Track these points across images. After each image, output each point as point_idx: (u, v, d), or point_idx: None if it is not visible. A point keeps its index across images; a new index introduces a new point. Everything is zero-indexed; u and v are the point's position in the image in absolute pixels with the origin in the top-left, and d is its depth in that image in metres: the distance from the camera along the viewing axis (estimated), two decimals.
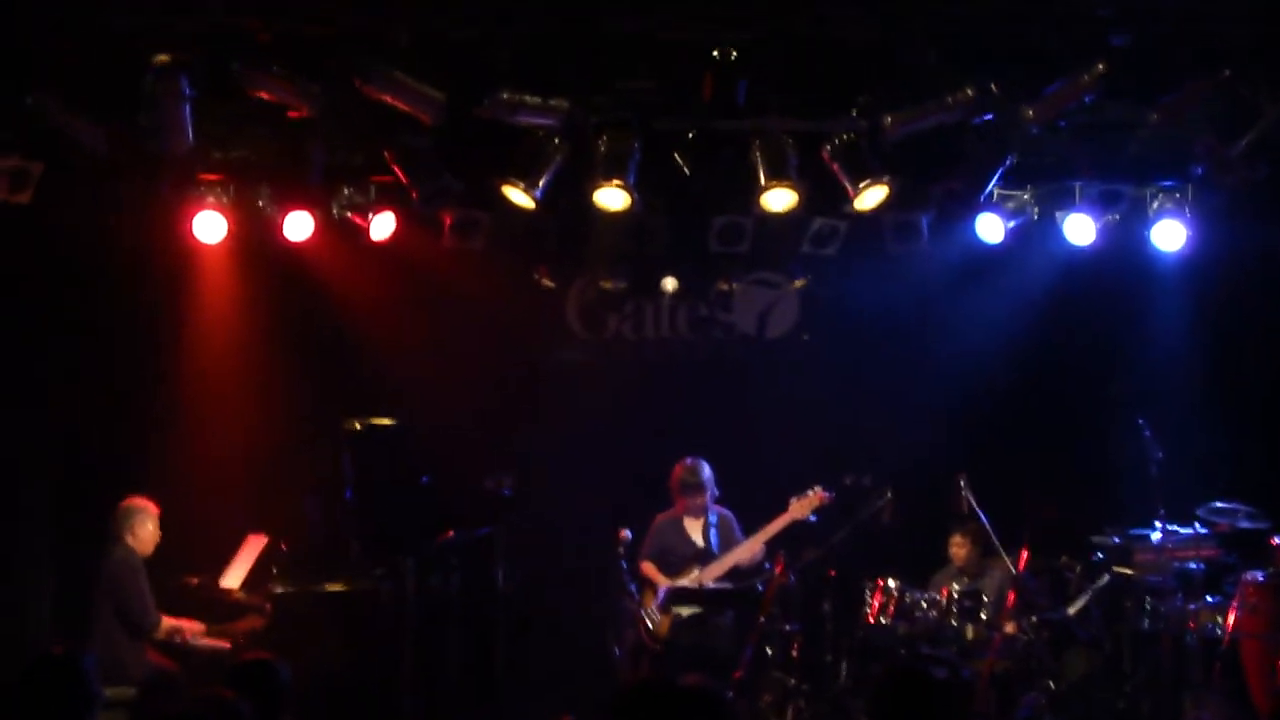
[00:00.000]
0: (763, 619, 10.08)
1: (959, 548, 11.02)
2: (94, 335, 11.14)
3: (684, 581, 10.64)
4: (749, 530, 10.84)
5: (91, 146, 9.13)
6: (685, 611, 10.59)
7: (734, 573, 10.74)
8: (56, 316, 11.08)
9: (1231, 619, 9.86)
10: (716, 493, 10.92)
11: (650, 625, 10.51)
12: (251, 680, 6.41)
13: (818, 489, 10.69)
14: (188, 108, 8.84)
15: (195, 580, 10.49)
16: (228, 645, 10.08)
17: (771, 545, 10.63)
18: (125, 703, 9.30)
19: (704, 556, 10.77)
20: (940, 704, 5.72)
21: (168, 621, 10.02)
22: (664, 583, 10.64)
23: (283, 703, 6.46)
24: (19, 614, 10.91)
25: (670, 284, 11.58)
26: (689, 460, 10.90)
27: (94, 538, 10.03)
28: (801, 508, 10.69)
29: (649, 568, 10.77)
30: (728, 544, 10.81)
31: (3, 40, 8.59)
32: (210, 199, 10.26)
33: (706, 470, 10.86)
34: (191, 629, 10.12)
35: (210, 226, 10.32)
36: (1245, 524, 10.24)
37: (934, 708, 5.69)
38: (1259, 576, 9.89)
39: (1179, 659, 10.16)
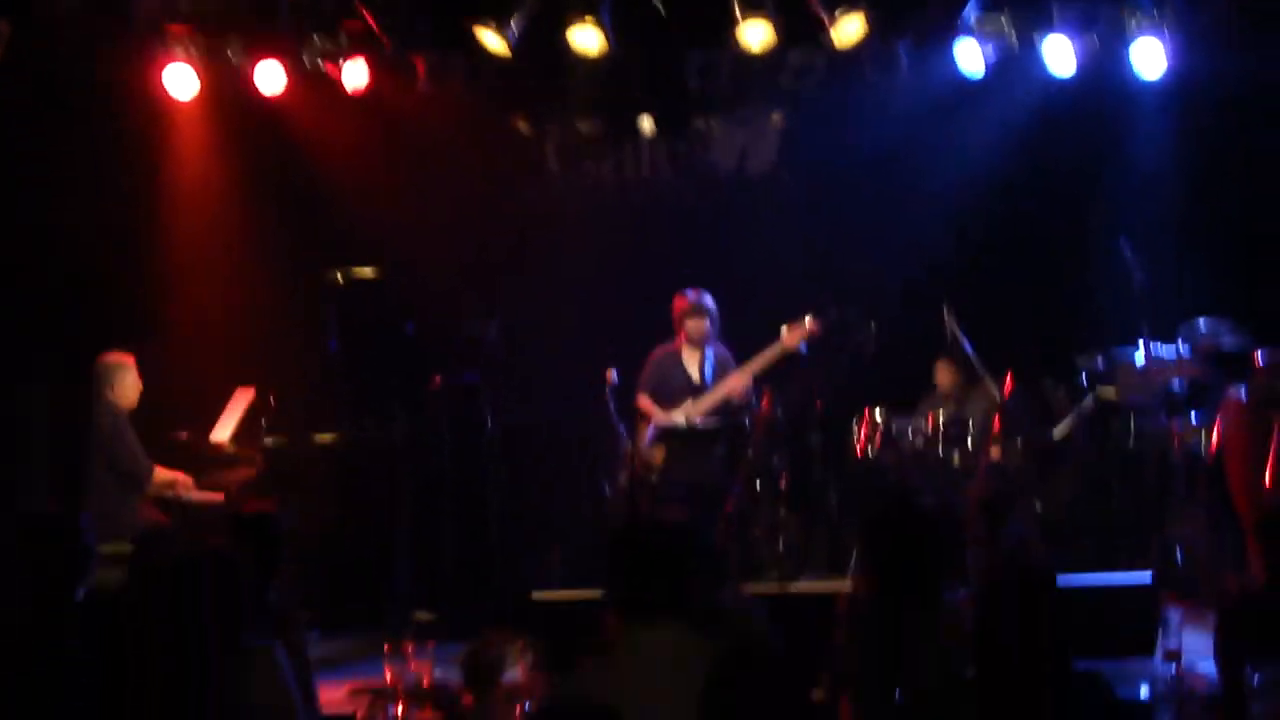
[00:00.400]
0: (750, 452, 10.15)
1: (944, 374, 11.08)
2: (71, 194, 11.05)
3: (676, 413, 10.65)
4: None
5: (60, 5, 9.03)
6: (678, 444, 10.63)
7: (725, 406, 10.77)
8: (30, 176, 10.97)
9: (1215, 435, 9.96)
10: (717, 327, 10.86)
11: (644, 458, 10.56)
12: (251, 531, 6.46)
13: (809, 318, 10.64)
14: None
15: (184, 435, 10.53)
16: (221, 497, 10.15)
17: (758, 379, 10.65)
18: (120, 557, 9.39)
19: (698, 391, 10.74)
20: (930, 533, 5.79)
21: (160, 473, 10.09)
22: (657, 416, 10.66)
23: (281, 554, 6.51)
24: (14, 476, 10.96)
25: (647, 124, 11.53)
26: (691, 290, 10.82)
27: (83, 396, 10.05)
28: (793, 337, 10.63)
29: (644, 400, 10.72)
30: (722, 380, 10.82)
31: None
32: (180, 52, 10.17)
33: (709, 300, 10.76)
34: (184, 481, 10.19)
35: (181, 81, 10.24)
36: (1228, 341, 10.28)
37: (924, 537, 5.76)
38: (1242, 393, 9.96)
39: (1163, 476, 10.26)
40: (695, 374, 10.82)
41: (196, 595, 5.58)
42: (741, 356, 10.81)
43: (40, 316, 11.02)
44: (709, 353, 10.84)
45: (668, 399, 10.75)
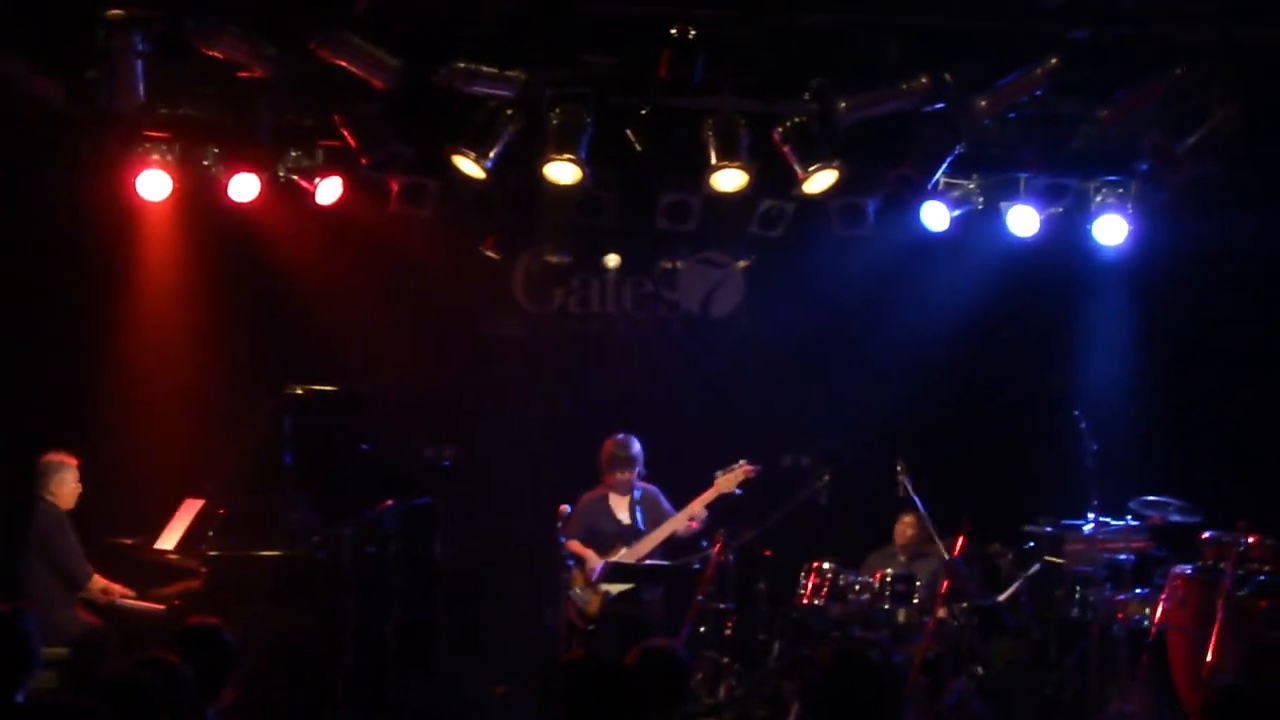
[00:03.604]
0: (700, 597, 10.12)
1: (908, 527, 11.10)
2: (35, 290, 10.96)
3: (614, 557, 10.62)
4: (678, 505, 10.85)
5: (42, 100, 9.02)
6: (615, 589, 10.58)
7: (670, 546, 10.75)
8: None
9: (1159, 611, 9.98)
10: (644, 470, 10.90)
11: (579, 605, 10.50)
12: (197, 645, 6.38)
13: (743, 462, 10.72)
14: (140, 64, 8.77)
15: (130, 541, 10.40)
16: (161, 607, 9.99)
17: (710, 522, 10.66)
18: (56, 662, 9.22)
19: (630, 534, 10.77)
20: (878, 687, 5.78)
21: (98, 579, 9.95)
22: (591, 560, 10.62)
23: (227, 669, 6.42)
24: None
25: (613, 260, 11.58)
26: (620, 435, 10.88)
27: (29, 497, 9.92)
28: (728, 481, 10.71)
29: (576, 545, 10.67)
30: (654, 520, 10.81)
31: None
32: (155, 156, 10.18)
33: (636, 445, 10.84)
34: (121, 593, 10.04)
35: (155, 184, 10.25)
36: (1176, 518, 10.34)
37: (872, 690, 5.75)
38: (1188, 570, 9.99)
39: (1106, 649, 10.26)
40: (625, 517, 10.87)
41: (143, 709, 5.49)
42: (691, 496, 10.81)
43: None
44: (636, 494, 10.88)
45: (601, 544, 10.76)
